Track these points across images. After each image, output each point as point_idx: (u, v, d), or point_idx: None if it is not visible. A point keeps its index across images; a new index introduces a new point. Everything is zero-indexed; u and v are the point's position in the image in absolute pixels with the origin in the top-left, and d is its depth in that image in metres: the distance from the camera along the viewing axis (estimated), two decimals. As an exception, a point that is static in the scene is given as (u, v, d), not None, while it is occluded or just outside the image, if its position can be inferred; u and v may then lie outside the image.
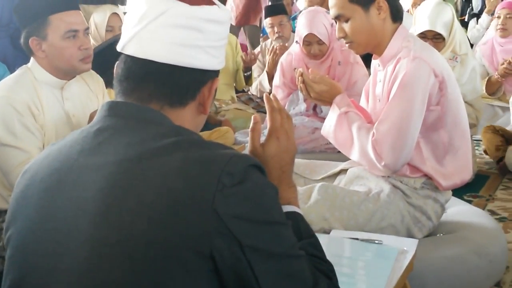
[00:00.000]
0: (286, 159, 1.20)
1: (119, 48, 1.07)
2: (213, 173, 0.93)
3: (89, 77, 2.30)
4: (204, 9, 1.05)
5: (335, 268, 1.11)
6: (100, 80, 2.37)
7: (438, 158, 2.05)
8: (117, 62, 1.08)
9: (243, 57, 4.28)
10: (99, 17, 3.29)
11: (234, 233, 0.92)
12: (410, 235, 2.04)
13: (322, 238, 1.33)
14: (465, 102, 2.43)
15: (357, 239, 1.71)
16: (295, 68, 3.18)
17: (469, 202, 2.99)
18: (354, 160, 2.11)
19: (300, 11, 4.49)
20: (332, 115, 2.10)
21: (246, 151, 1.23)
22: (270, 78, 3.95)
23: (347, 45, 2.08)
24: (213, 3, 1.08)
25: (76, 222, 0.96)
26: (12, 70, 2.61)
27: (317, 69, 2.76)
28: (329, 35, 3.24)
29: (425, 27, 3.08)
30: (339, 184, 2.21)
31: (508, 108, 3.84)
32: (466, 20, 7.08)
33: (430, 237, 2.12)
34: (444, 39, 3.10)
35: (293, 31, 4.22)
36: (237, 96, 4.51)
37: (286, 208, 1.14)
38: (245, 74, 4.39)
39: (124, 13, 3.29)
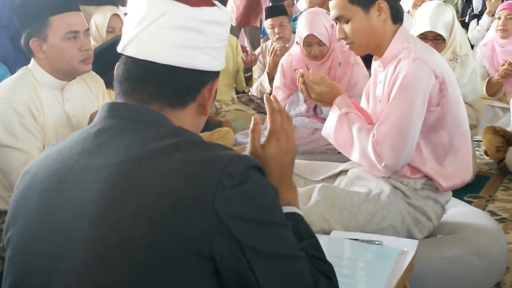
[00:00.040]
0: (286, 160, 1.20)
1: (119, 49, 1.07)
2: (213, 174, 0.93)
3: (90, 78, 2.30)
4: (204, 11, 1.05)
5: (335, 268, 1.11)
6: (100, 81, 2.37)
7: (438, 159, 2.05)
8: (117, 63, 1.08)
9: (244, 58, 4.28)
10: (100, 18, 3.29)
11: (234, 234, 0.92)
12: (410, 236, 2.04)
13: (322, 239, 1.33)
14: (466, 103, 2.43)
15: (357, 240, 1.71)
16: (295, 69, 3.18)
17: (469, 203, 2.99)
18: (354, 161, 2.11)
19: (301, 12, 4.48)
20: (333, 116, 2.10)
21: (246, 152, 1.23)
22: (271, 79, 3.95)
23: (347, 46, 2.08)
24: (214, 4, 1.08)
25: (76, 223, 0.96)
26: (12, 71, 2.62)
27: (317, 70, 2.77)
28: (329, 36, 3.24)
29: (425, 28, 3.08)
30: (340, 185, 2.21)
31: (508, 109, 3.84)
32: (466, 21, 7.08)
33: (430, 238, 2.12)
34: (444, 40, 3.10)
35: (294, 32, 4.22)
36: (237, 97, 4.51)
37: (286, 209, 1.14)
38: (246, 75, 4.39)
39: (125, 14, 3.29)
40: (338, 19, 2.04)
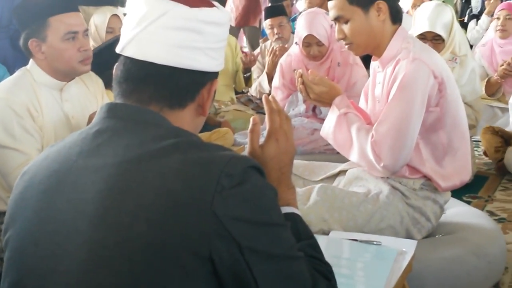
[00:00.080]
0: (285, 160, 1.20)
1: (118, 49, 1.07)
2: (212, 174, 0.93)
3: (88, 78, 2.30)
4: (203, 11, 1.05)
5: (334, 269, 1.11)
6: (99, 82, 2.37)
7: (437, 159, 2.05)
8: (116, 63, 1.08)
9: (243, 58, 4.29)
10: (99, 18, 3.29)
11: (233, 234, 0.92)
12: (409, 236, 2.04)
13: (321, 239, 1.33)
14: (465, 103, 2.43)
15: (356, 240, 1.71)
16: (294, 69, 3.18)
17: (468, 203, 2.99)
18: (353, 161, 2.11)
19: (300, 12, 4.49)
20: (332, 116, 2.10)
21: (245, 152, 1.23)
22: (270, 79, 3.95)
23: (346, 46, 2.08)
24: (213, 5, 1.08)
25: (74, 224, 0.96)
26: (12, 72, 2.61)
27: (316, 70, 2.76)
28: (328, 37, 3.24)
29: (424, 28, 3.08)
30: (338, 185, 2.21)
31: (507, 109, 3.84)
32: (465, 21, 7.09)
33: (429, 238, 2.12)
34: (443, 40, 3.11)
35: (293, 32, 4.22)
36: (236, 97, 4.51)
37: (285, 210, 1.14)
38: (245, 75, 4.39)
39: (124, 14, 3.29)
40: (337, 19, 2.04)
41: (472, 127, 3.17)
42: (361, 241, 1.70)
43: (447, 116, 2.02)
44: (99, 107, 1.08)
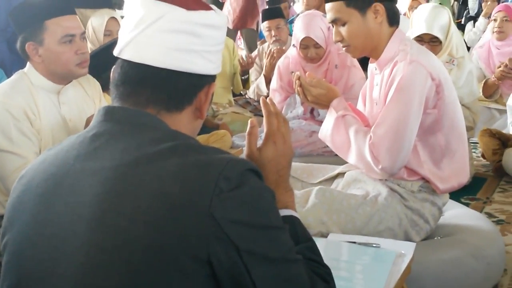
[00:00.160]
0: (283, 163, 1.20)
1: (116, 52, 1.07)
2: (210, 177, 0.93)
3: (86, 81, 2.30)
4: (201, 14, 1.05)
5: (332, 272, 1.11)
6: (96, 84, 2.36)
7: (435, 161, 2.05)
8: (114, 66, 1.08)
9: (241, 60, 4.29)
10: (97, 21, 3.28)
11: (231, 237, 0.92)
12: (407, 238, 2.04)
13: (319, 242, 1.33)
14: (462, 105, 2.43)
15: (354, 242, 1.71)
16: (292, 72, 3.19)
17: (467, 205, 2.99)
18: (351, 164, 2.11)
19: (297, 15, 4.50)
20: (329, 118, 2.10)
21: (243, 155, 1.23)
22: (268, 82, 3.95)
23: (343, 48, 2.08)
24: (210, 8, 1.08)
25: (72, 227, 0.95)
26: (9, 75, 2.61)
27: (314, 72, 2.77)
28: (326, 39, 3.25)
29: (422, 30, 3.08)
30: (337, 187, 2.21)
31: (505, 111, 3.85)
32: (462, 23, 7.10)
33: (427, 240, 2.12)
34: (441, 42, 3.11)
35: (290, 35, 4.23)
36: (234, 100, 4.51)
37: (283, 212, 1.14)
38: (243, 77, 4.39)
39: (122, 17, 3.29)
40: (334, 21, 2.04)
41: (469, 129, 3.17)
42: (359, 244, 1.70)
43: (444, 118, 2.02)
44: (96, 110, 1.07)
